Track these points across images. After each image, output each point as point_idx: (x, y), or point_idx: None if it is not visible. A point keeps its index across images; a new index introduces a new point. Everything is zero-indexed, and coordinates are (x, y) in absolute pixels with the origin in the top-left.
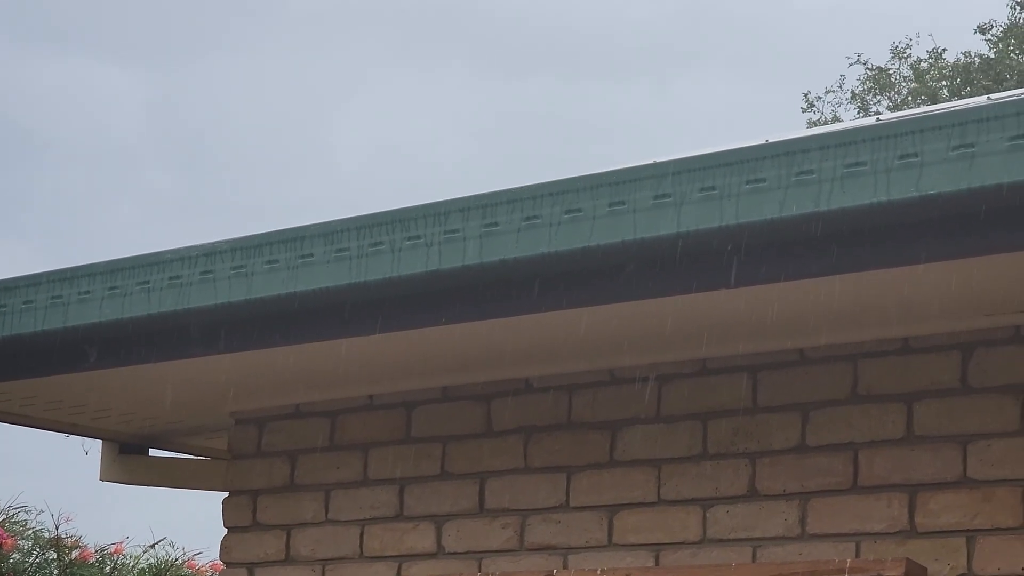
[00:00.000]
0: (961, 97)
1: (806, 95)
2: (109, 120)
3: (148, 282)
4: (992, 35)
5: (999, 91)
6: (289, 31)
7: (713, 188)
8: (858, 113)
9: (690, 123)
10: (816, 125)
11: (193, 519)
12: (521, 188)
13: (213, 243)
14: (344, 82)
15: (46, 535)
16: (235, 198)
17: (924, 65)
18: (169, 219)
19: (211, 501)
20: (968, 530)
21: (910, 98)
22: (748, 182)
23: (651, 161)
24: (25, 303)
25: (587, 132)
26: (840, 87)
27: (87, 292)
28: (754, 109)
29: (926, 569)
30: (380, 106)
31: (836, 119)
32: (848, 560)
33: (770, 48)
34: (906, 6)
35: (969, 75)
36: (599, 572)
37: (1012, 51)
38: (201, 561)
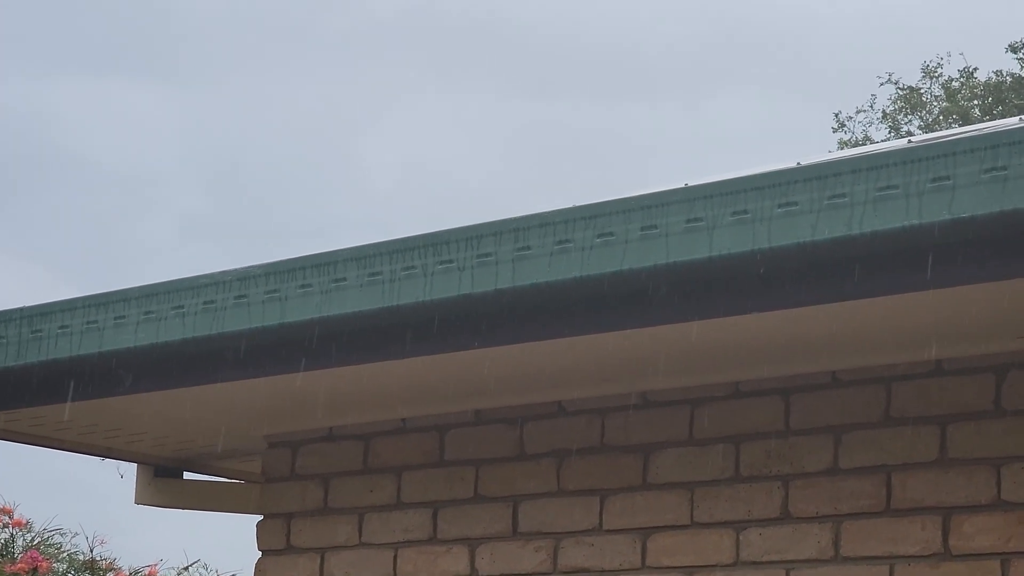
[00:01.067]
0: (993, 116)
1: (837, 115)
2: (142, 142)
3: (182, 307)
4: None
5: None
6: (320, 53)
7: (745, 212)
8: (889, 133)
9: (722, 143)
10: (847, 145)
11: (227, 542)
12: (553, 212)
13: (246, 268)
14: (374, 103)
15: (81, 558)
16: (267, 219)
17: (955, 84)
18: (202, 241)
19: (245, 524)
20: (1002, 553)
21: (941, 117)
22: (780, 205)
23: (683, 184)
24: (61, 328)
25: (617, 152)
26: (871, 107)
27: (122, 317)
28: (785, 129)
29: None
30: (410, 126)
31: (867, 139)
32: None
33: (802, 67)
34: (937, 25)
35: (1001, 94)
36: None
37: None
38: None
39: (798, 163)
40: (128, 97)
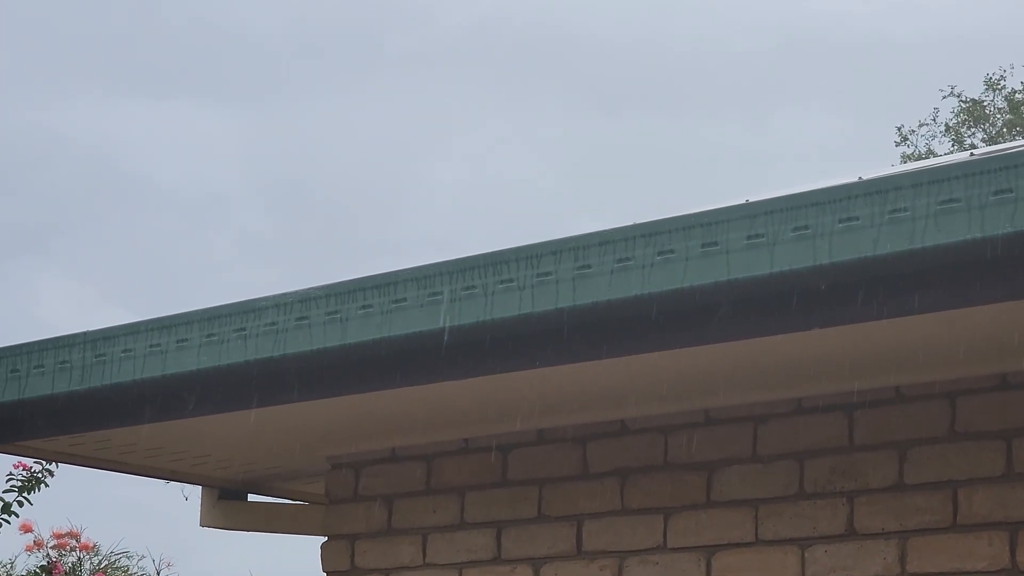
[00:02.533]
0: None
1: (899, 128)
2: (205, 164)
3: (244, 329)
4: None
5: None
6: (384, 72)
7: (806, 227)
8: (952, 146)
9: (785, 158)
10: (910, 159)
11: (292, 564)
12: (613, 230)
13: (307, 289)
14: (441, 120)
15: None
16: (331, 240)
17: (1019, 96)
18: (267, 262)
19: (310, 546)
20: None
21: (1005, 130)
22: (841, 220)
23: (743, 201)
24: (124, 352)
25: (683, 167)
26: (934, 120)
27: (185, 340)
28: (849, 143)
29: None
30: (477, 143)
31: (930, 152)
32: None
33: (866, 81)
34: (1000, 37)
35: None
36: None
37: None
38: None
39: (859, 178)
40: (191, 119)
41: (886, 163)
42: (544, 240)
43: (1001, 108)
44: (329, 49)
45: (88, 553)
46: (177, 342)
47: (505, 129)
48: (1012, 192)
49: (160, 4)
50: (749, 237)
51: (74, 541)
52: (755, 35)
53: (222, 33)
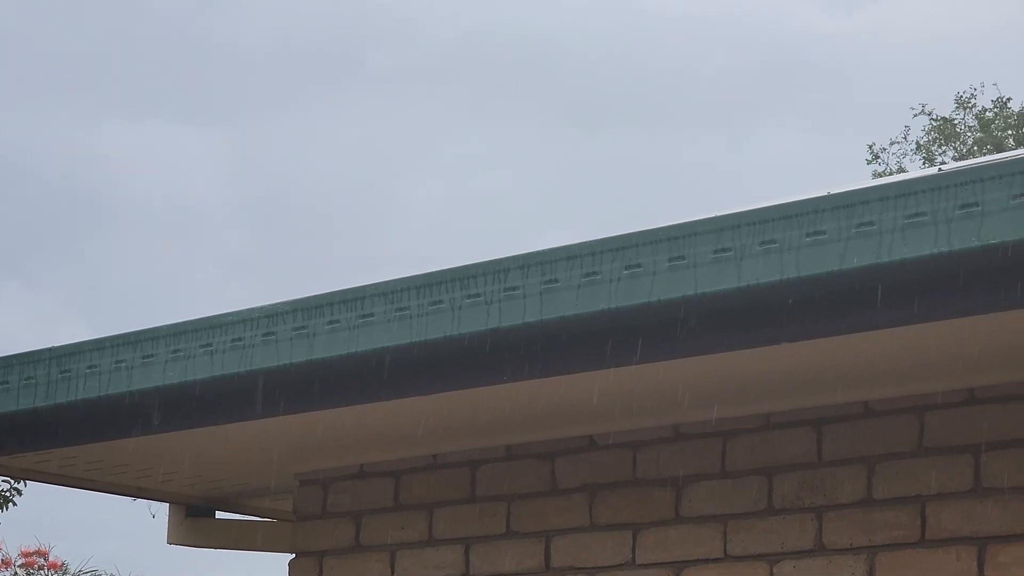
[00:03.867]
0: None
1: (871, 147)
2: (185, 183)
3: (211, 344)
4: None
5: None
6: (364, 89)
7: (773, 241)
8: (923, 164)
9: (762, 176)
10: (881, 177)
11: None
12: (580, 244)
13: (274, 304)
14: (419, 138)
15: None
16: (310, 257)
17: (989, 114)
18: (245, 279)
19: (278, 563)
20: None
21: (976, 148)
22: (808, 235)
23: (711, 215)
24: (89, 367)
25: (660, 184)
26: (905, 138)
27: (151, 356)
28: (822, 161)
29: None
30: (454, 161)
31: (901, 170)
32: None
33: (841, 99)
34: (970, 56)
35: None
36: None
37: None
38: None
39: (827, 192)
40: (169, 137)
41: (857, 181)
42: (511, 255)
43: (972, 126)
44: (310, 65)
45: (56, 571)
46: (143, 358)
47: (484, 145)
48: (978, 206)
49: (137, 21)
50: (716, 251)
51: (42, 559)
52: (734, 53)
53: (201, 50)
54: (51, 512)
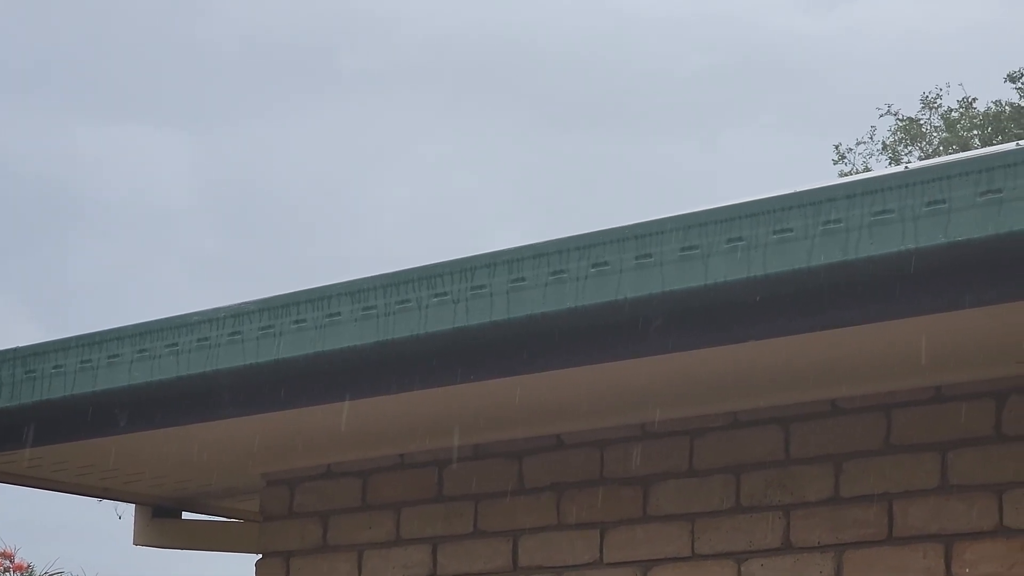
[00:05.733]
0: (993, 146)
1: (837, 147)
2: (155, 184)
3: (176, 344)
4: (1023, 83)
5: None
6: (337, 90)
7: (740, 239)
8: (889, 164)
9: (732, 176)
10: (847, 177)
11: None
12: (547, 242)
13: (240, 304)
14: (392, 139)
15: None
16: (283, 258)
17: (955, 115)
18: (217, 281)
19: (245, 564)
20: None
21: (941, 148)
22: (775, 232)
23: (678, 213)
24: (55, 368)
25: (633, 185)
26: (871, 138)
27: (116, 356)
28: (791, 161)
29: None
30: (428, 162)
31: (867, 170)
32: None
33: (811, 99)
34: (936, 56)
35: (1000, 124)
36: None
37: None
38: None
39: (794, 190)
40: (139, 139)
41: (824, 181)
42: (478, 253)
43: (937, 126)
44: (283, 65)
45: (22, 573)
46: (108, 358)
47: (457, 146)
48: (945, 203)
49: (109, 22)
50: (683, 249)
51: (7, 562)
52: (708, 54)
53: (174, 50)
54: (16, 513)
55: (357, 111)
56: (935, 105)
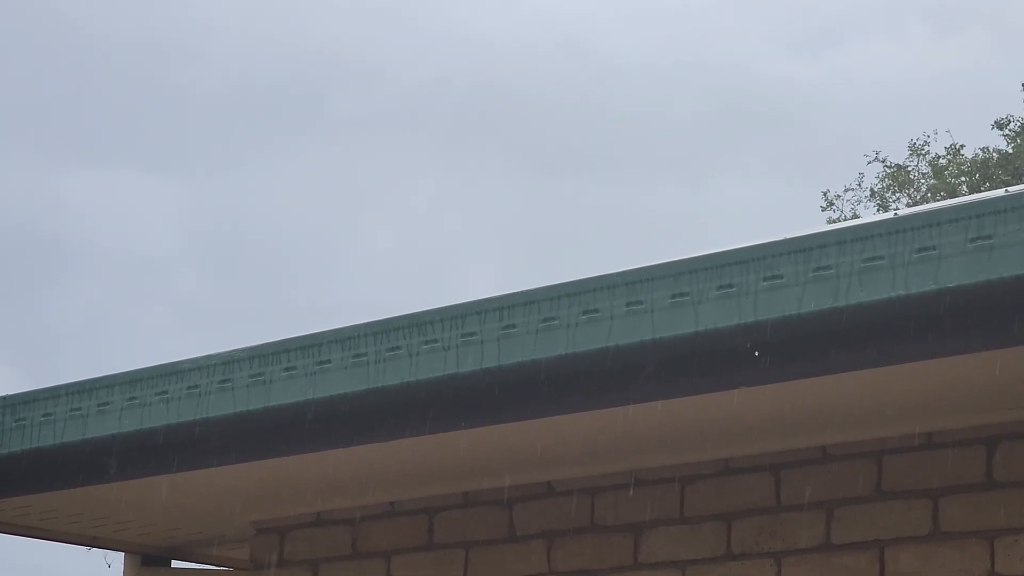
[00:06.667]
0: (980, 193)
1: (825, 193)
2: (140, 230)
3: (167, 392)
4: (1010, 130)
5: (1018, 185)
6: (326, 135)
7: (731, 286)
8: (877, 210)
9: (722, 222)
10: (835, 223)
11: None
12: (537, 289)
13: (231, 351)
14: (379, 184)
15: None
16: (269, 305)
17: (943, 161)
18: (204, 327)
19: None
20: None
21: (929, 195)
22: (765, 279)
23: (668, 260)
24: (44, 416)
25: (622, 231)
26: (859, 185)
27: (106, 403)
28: (779, 208)
29: None
30: (414, 208)
31: (855, 217)
32: None
33: (800, 145)
34: (923, 103)
35: (988, 170)
36: None
37: None
38: None
39: (784, 236)
40: (126, 184)
41: (812, 227)
42: (468, 300)
43: (925, 173)
44: (270, 111)
45: None
46: (98, 406)
47: (444, 191)
48: (935, 250)
49: (92, 69)
50: (673, 296)
51: None
52: (696, 100)
53: (158, 97)
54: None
55: (344, 156)
56: (923, 152)
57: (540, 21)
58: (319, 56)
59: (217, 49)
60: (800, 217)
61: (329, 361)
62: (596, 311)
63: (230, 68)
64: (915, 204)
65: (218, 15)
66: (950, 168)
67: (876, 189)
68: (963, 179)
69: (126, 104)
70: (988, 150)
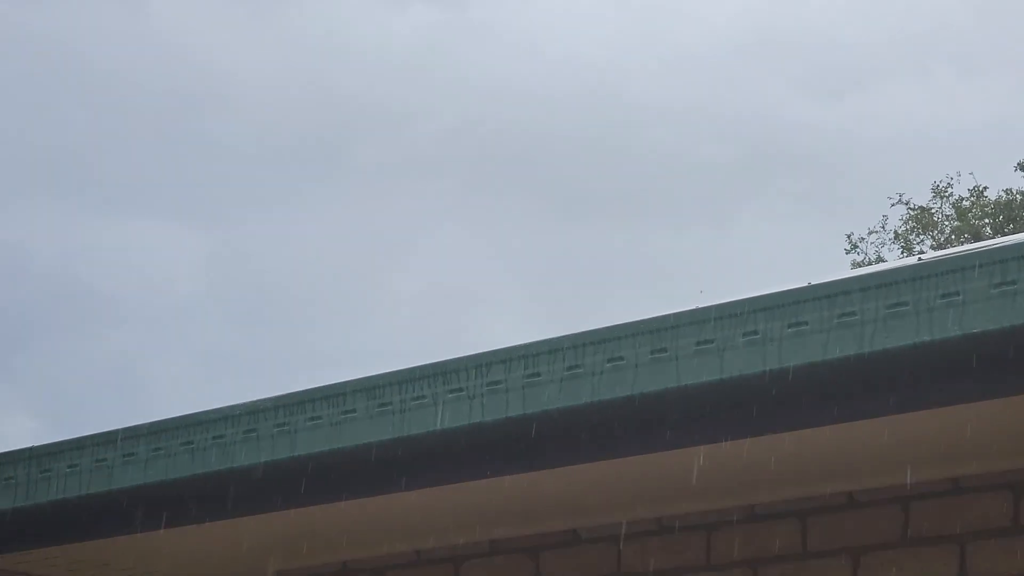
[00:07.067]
0: (1004, 234)
1: (849, 236)
2: (167, 279)
3: (192, 442)
4: None
5: None
6: (351, 182)
7: (755, 333)
8: (902, 253)
9: (745, 267)
10: (859, 267)
11: None
12: (562, 337)
13: (255, 401)
14: (404, 231)
15: None
16: (294, 351)
17: (966, 203)
18: (229, 376)
19: None
20: None
21: (953, 237)
22: (790, 325)
23: (693, 307)
24: (70, 467)
25: (645, 276)
26: (883, 227)
27: (131, 454)
28: (802, 251)
29: None
30: (439, 254)
31: (880, 259)
32: None
33: (824, 188)
34: (945, 145)
35: (1012, 212)
36: None
37: None
38: None
39: (808, 283)
40: (156, 233)
41: (836, 271)
42: (493, 348)
43: (949, 215)
44: (296, 160)
45: None
46: (124, 456)
47: (468, 238)
48: (959, 295)
49: (122, 118)
50: (699, 343)
51: None
52: (721, 143)
53: (185, 146)
54: None
55: (369, 204)
56: (946, 194)
57: (564, 67)
58: (345, 105)
59: (243, 99)
60: (824, 260)
61: (354, 410)
62: (621, 359)
63: (256, 118)
64: (939, 246)
65: (244, 66)
66: (974, 210)
67: (900, 231)
68: (987, 221)
69: (154, 153)
70: (1012, 192)
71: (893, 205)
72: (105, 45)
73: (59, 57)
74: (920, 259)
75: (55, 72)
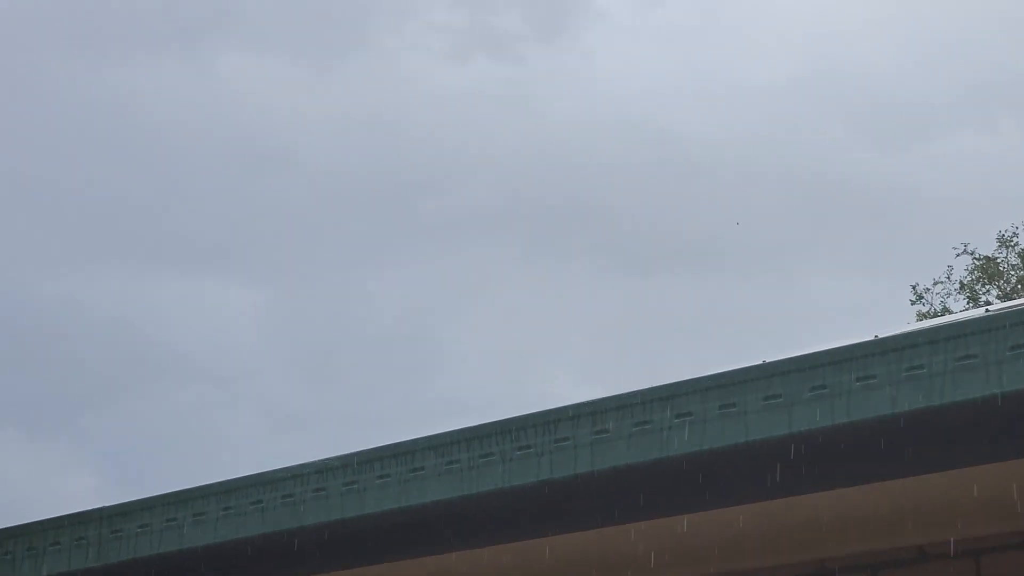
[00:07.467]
0: None
1: (914, 287)
2: (233, 336)
3: (261, 501)
4: None
5: None
6: (414, 238)
7: (824, 387)
8: (968, 303)
9: (810, 319)
10: (925, 317)
11: None
12: (630, 393)
13: (324, 460)
14: (468, 287)
15: None
16: (360, 408)
17: None
18: (296, 433)
19: None
20: None
21: (1020, 286)
22: (858, 379)
23: (760, 361)
24: (140, 527)
25: (712, 331)
26: (948, 278)
27: (201, 514)
28: (870, 302)
29: None
30: (504, 310)
31: (945, 310)
32: None
33: (889, 237)
34: (1010, 194)
35: None
36: None
37: None
38: None
39: (875, 336)
40: (217, 289)
41: (902, 322)
42: (561, 405)
43: (1015, 264)
44: (360, 216)
45: None
46: (194, 516)
47: (534, 293)
48: None
49: (188, 174)
50: (767, 398)
51: None
52: (784, 193)
53: (249, 204)
54: None
55: (434, 259)
56: (1011, 243)
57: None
58: (409, 160)
59: (307, 155)
60: (890, 311)
61: (423, 468)
62: (690, 414)
63: (319, 173)
64: (1005, 296)
65: (308, 122)
66: None
67: (965, 281)
68: None
69: (218, 210)
70: None
71: (958, 255)
72: (171, 102)
73: (125, 115)
74: (988, 311)
75: (121, 129)
